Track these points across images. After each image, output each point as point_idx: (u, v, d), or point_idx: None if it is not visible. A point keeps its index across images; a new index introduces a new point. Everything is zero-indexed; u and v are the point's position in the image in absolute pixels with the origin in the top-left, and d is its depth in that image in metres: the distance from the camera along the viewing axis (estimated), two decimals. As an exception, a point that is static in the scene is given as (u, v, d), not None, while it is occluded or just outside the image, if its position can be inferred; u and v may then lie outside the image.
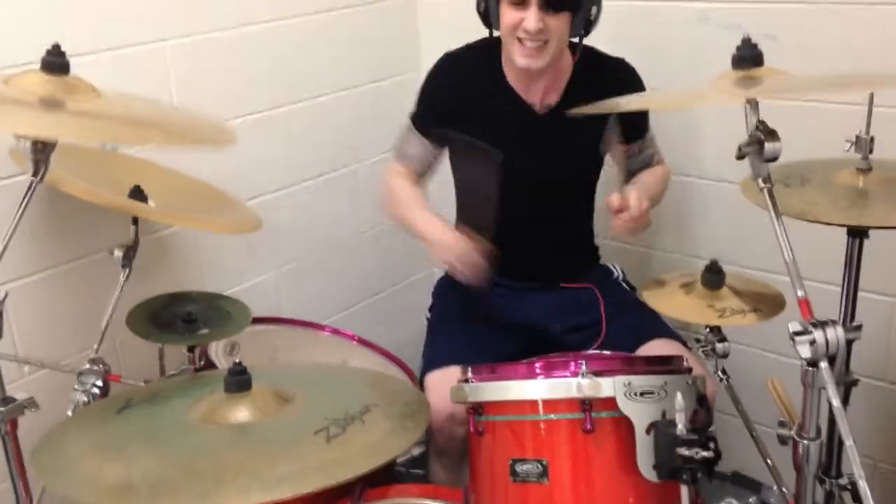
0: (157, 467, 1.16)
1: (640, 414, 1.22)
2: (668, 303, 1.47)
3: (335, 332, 2.01)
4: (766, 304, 1.43)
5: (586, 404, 1.23)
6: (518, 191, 1.93)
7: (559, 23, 1.76)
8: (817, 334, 1.08)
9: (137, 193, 1.67)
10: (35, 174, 1.32)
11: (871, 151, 1.56)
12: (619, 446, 1.24)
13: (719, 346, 1.44)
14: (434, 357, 1.87)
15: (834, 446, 1.71)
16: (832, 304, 1.66)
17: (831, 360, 1.08)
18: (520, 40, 1.78)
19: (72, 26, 1.77)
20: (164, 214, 1.80)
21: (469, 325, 1.97)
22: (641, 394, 1.22)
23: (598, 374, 1.24)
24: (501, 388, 1.30)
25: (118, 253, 1.72)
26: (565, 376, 1.25)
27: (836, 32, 1.92)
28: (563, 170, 1.96)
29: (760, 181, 1.19)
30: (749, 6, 2.04)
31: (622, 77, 1.92)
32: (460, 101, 1.93)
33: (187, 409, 1.30)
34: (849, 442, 1.04)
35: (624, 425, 1.23)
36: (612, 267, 2.11)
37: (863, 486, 1.02)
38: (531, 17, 1.73)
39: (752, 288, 1.47)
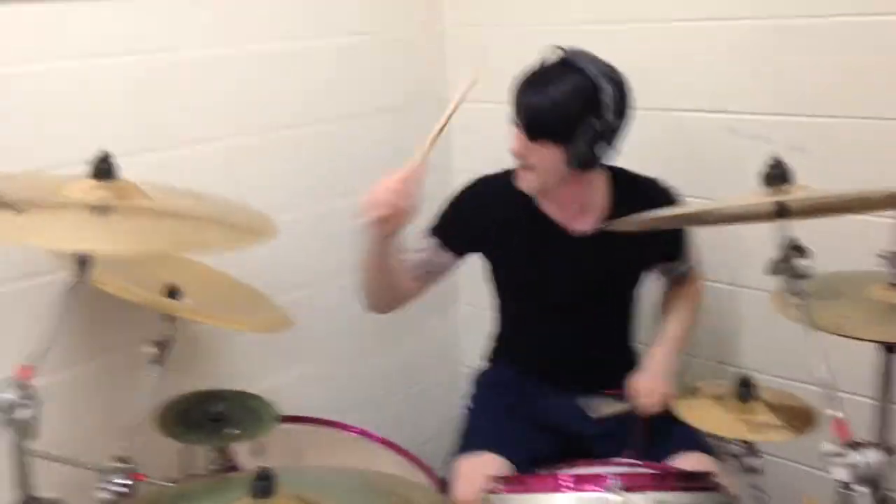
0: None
1: (676, 535, 1.20)
2: (700, 415, 1.46)
3: (363, 433, 1.99)
4: (800, 419, 1.41)
5: (618, 521, 1.22)
6: (553, 307, 1.99)
7: (544, 152, 1.79)
8: (852, 457, 1.06)
9: (172, 292, 1.70)
10: (79, 279, 1.35)
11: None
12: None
13: (751, 460, 1.41)
14: (470, 441, 1.89)
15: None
16: (863, 416, 1.63)
17: (870, 483, 1.05)
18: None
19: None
20: (200, 313, 1.82)
21: (507, 417, 1.98)
22: (675, 513, 1.20)
23: (629, 489, 1.22)
24: (530, 501, 1.29)
25: (150, 349, 1.73)
26: (597, 491, 1.24)
27: (863, 144, 1.94)
28: (599, 290, 1.98)
29: (794, 297, 1.18)
30: (776, 118, 2.07)
31: (659, 198, 1.93)
32: (490, 225, 1.96)
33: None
34: (890, 571, 1.01)
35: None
36: None
37: None
38: (514, 140, 1.81)
39: (785, 401, 1.46)
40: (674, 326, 2.04)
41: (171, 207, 1.46)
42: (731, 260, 2.18)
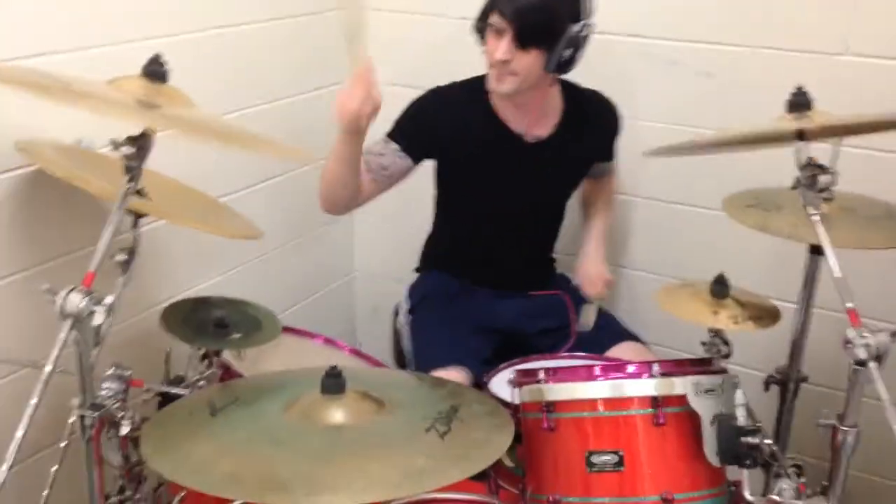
0: (286, 465, 1.19)
1: (705, 408, 1.40)
2: (681, 307, 1.66)
3: (328, 341, 2.05)
4: (766, 314, 1.66)
5: (658, 401, 1.40)
6: (503, 212, 2.11)
7: (529, 57, 1.84)
8: (871, 339, 1.30)
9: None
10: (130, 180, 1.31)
11: (835, 184, 1.81)
12: (686, 436, 1.42)
13: (724, 348, 1.64)
14: (431, 356, 1.98)
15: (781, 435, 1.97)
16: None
17: (879, 360, 1.30)
18: (492, 65, 1.91)
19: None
20: (171, 216, 1.77)
21: (456, 326, 2.09)
22: (706, 391, 1.41)
23: (668, 374, 1.41)
24: (579, 388, 1.44)
25: (121, 257, 1.67)
26: (641, 376, 1.42)
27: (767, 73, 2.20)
28: (547, 195, 2.14)
29: (811, 209, 1.39)
30: (687, 45, 2.27)
31: (606, 109, 2.13)
32: (449, 133, 2.02)
33: (282, 411, 1.33)
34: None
35: (689, 418, 1.41)
36: (569, 275, 2.29)
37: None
38: (501, 48, 1.84)
39: (752, 300, 1.69)
40: (600, 222, 2.24)
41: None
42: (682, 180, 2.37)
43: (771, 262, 2.20)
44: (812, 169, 1.40)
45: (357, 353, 2.04)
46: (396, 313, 2.27)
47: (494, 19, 1.86)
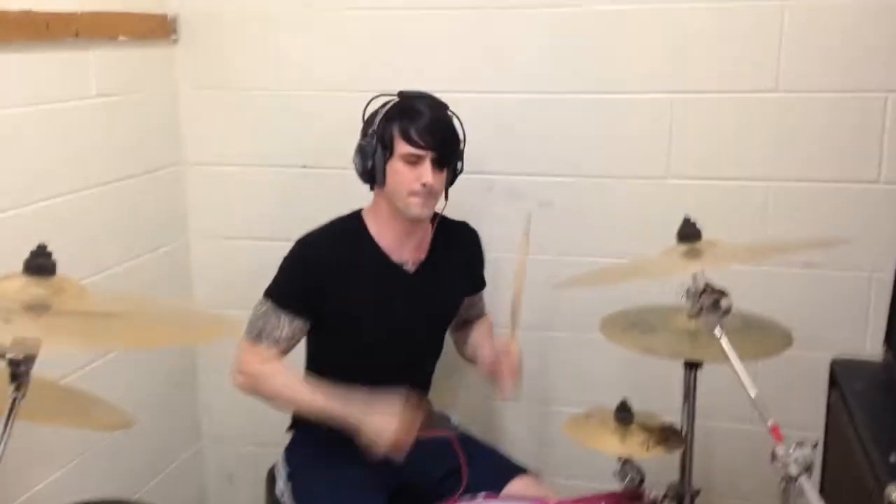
0: None
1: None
2: (591, 438, 1.66)
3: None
4: (672, 436, 1.69)
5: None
6: (385, 349, 2.06)
7: (443, 177, 1.99)
8: (798, 454, 1.34)
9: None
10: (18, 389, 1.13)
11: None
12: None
13: (636, 475, 1.65)
14: None
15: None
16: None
17: (807, 471, 1.35)
18: (414, 193, 1.94)
19: None
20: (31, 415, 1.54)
21: (343, 489, 1.97)
22: (640, 526, 1.40)
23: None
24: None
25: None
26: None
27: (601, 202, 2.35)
28: (431, 321, 2.12)
29: (717, 331, 1.45)
30: (527, 178, 2.39)
31: (471, 238, 2.21)
32: (333, 278, 1.99)
33: None
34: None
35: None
36: (447, 413, 2.25)
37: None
38: (427, 173, 1.92)
39: (655, 423, 1.72)
40: (484, 336, 2.21)
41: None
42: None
43: (647, 380, 2.24)
44: (713, 294, 1.46)
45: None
46: (272, 479, 2.10)
47: (408, 150, 1.92)
